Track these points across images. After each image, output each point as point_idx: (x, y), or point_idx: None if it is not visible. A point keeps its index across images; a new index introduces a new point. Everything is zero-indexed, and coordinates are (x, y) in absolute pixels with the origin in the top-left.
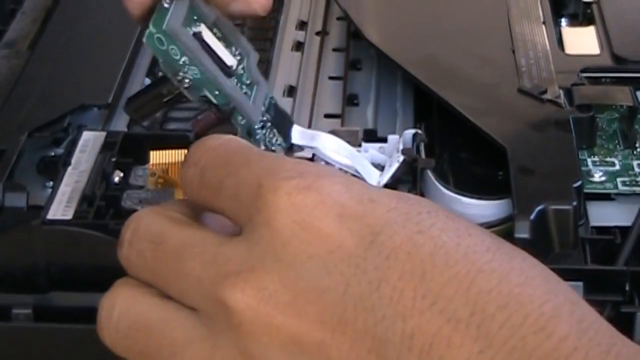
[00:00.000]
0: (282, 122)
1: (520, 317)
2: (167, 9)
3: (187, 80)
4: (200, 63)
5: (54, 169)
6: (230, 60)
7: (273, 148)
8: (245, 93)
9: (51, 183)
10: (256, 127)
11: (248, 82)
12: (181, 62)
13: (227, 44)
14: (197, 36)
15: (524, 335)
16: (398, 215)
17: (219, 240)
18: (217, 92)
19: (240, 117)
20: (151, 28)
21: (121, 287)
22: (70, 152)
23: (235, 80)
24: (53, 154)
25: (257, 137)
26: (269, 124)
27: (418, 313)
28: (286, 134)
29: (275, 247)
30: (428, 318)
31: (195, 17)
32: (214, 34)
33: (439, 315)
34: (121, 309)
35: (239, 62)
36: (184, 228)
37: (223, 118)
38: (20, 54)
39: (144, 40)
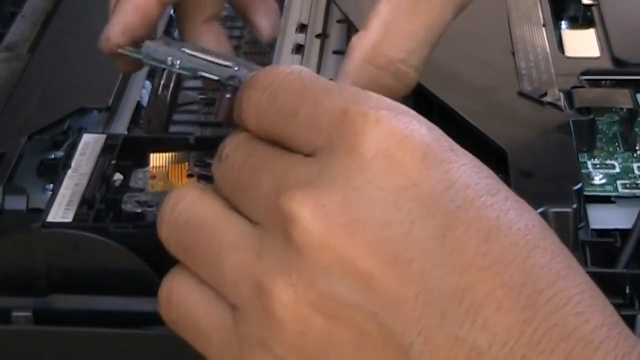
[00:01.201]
0: None
1: (564, 298)
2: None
3: (177, 62)
4: (187, 54)
5: (54, 172)
6: (223, 62)
7: None
8: None
9: (51, 186)
10: None
11: None
12: (169, 61)
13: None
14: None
15: (566, 315)
16: (473, 172)
17: (295, 159)
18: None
19: None
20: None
21: (194, 187)
22: (70, 154)
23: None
24: (53, 156)
25: None
26: None
27: (476, 270)
28: None
29: (350, 170)
30: (484, 277)
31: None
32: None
33: (495, 277)
34: (186, 205)
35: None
36: (268, 145)
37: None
38: (20, 57)
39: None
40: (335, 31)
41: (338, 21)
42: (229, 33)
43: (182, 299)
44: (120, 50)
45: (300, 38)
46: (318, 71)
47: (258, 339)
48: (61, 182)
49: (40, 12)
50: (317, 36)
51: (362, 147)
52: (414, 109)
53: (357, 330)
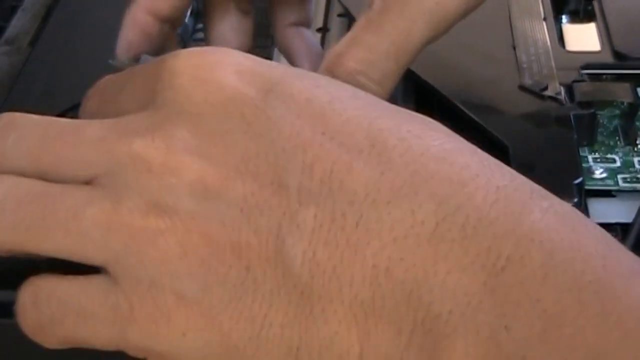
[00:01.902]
0: None
1: (421, 148)
2: None
3: None
4: None
5: None
6: None
7: None
8: None
9: None
10: None
11: None
12: None
13: None
14: None
15: (425, 162)
16: (295, 73)
17: (129, 116)
18: None
19: None
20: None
21: (10, 178)
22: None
23: None
24: None
25: None
26: None
27: (317, 145)
28: None
29: (179, 102)
30: (327, 148)
31: None
32: None
33: (339, 147)
34: (6, 188)
35: None
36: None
37: None
38: (20, 50)
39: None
40: (336, 25)
41: (339, 15)
42: None
43: (52, 292)
44: (118, 65)
45: None
46: None
47: (150, 280)
48: None
49: (41, 6)
50: (318, 30)
51: (179, 81)
52: (416, 103)
53: (231, 233)
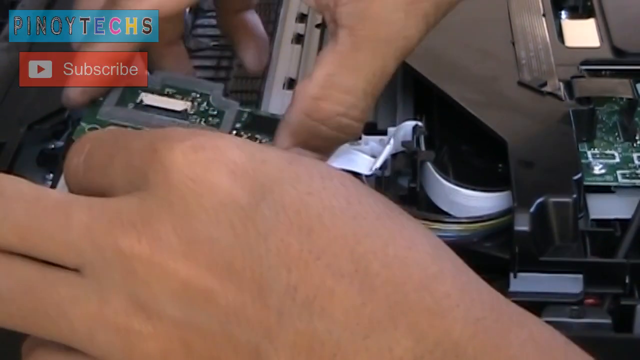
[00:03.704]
0: (267, 126)
1: (403, 276)
2: (101, 102)
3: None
4: (144, 124)
5: (54, 162)
6: (180, 106)
7: None
8: (212, 123)
9: (51, 176)
10: None
11: (215, 112)
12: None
13: (184, 94)
14: (139, 105)
15: (407, 292)
16: (290, 177)
17: (107, 198)
18: None
19: None
20: (83, 124)
21: None
22: (70, 144)
23: (197, 117)
24: (53, 146)
25: None
26: (244, 131)
27: (303, 265)
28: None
29: (170, 200)
30: (312, 271)
31: (138, 92)
32: (166, 93)
33: (324, 269)
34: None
35: (201, 102)
36: (61, 192)
37: None
38: (20, 46)
39: (74, 137)
40: None
41: None
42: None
43: None
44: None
45: (300, 28)
46: None
47: None
48: (61, 172)
49: (40, 2)
50: (317, 26)
51: (173, 179)
52: (415, 99)
53: (211, 346)
